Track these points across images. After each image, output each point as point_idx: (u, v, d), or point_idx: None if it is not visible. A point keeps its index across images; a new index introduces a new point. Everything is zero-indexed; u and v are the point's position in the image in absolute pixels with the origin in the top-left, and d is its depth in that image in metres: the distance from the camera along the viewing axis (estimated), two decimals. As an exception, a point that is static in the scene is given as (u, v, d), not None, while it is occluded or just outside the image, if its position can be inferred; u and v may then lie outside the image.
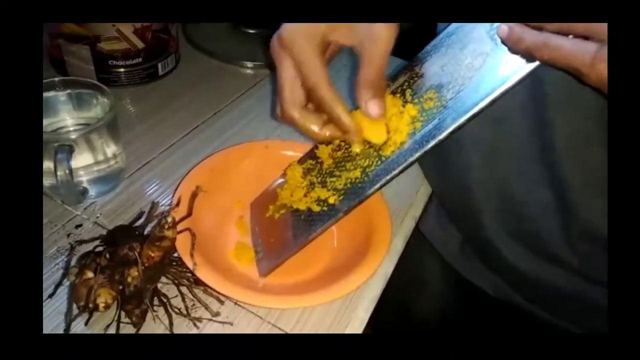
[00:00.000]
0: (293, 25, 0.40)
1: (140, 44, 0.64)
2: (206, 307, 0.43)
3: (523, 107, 0.43)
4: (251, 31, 0.82)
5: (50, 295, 0.42)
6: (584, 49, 0.29)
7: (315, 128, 0.41)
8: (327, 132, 0.41)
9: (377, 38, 0.38)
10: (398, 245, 0.53)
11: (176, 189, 0.50)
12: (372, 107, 0.39)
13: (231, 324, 0.43)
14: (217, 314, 0.43)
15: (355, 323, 0.45)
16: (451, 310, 0.68)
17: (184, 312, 0.42)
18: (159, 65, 0.68)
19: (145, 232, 0.46)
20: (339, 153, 0.45)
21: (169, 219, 0.39)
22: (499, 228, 0.52)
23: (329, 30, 0.40)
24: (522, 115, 0.43)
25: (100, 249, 0.43)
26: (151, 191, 0.54)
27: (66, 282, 0.43)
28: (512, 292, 0.57)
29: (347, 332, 0.44)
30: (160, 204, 0.48)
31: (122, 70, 0.65)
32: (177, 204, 0.46)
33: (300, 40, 0.39)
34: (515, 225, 0.51)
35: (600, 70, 0.28)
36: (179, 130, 0.63)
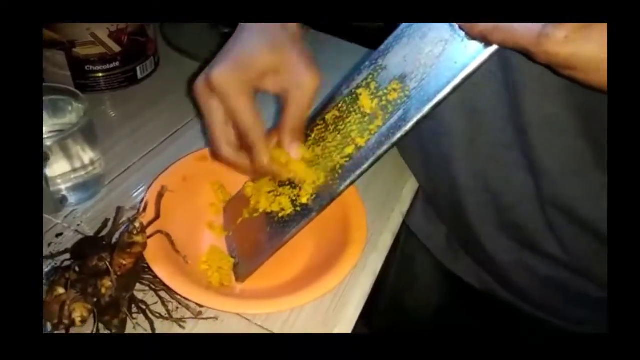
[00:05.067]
0: (222, 71, 0.40)
1: (116, 48, 0.63)
2: (187, 308, 0.42)
3: (497, 95, 0.43)
4: (228, 31, 0.80)
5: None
6: (530, 28, 0.29)
7: (247, 166, 0.44)
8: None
9: (303, 87, 0.41)
10: (387, 241, 0.53)
11: (145, 194, 0.48)
12: (293, 150, 0.43)
13: (216, 318, 0.42)
14: (200, 312, 0.42)
15: (346, 321, 0.44)
16: (442, 304, 0.68)
17: (166, 315, 0.41)
18: (138, 68, 0.67)
19: (113, 240, 0.44)
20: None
21: (137, 224, 0.38)
22: (482, 219, 0.52)
23: (259, 79, 0.41)
24: (497, 104, 0.44)
25: (67, 263, 0.41)
26: (133, 196, 0.53)
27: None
28: (496, 285, 0.57)
29: (337, 330, 0.43)
30: (126, 209, 0.46)
31: (100, 75, 0.64)
32: (144, 209, 0.44)
33: (232, 88, 0.40)
34: (497, 215, 0.51)
35: (545, 47, 0.28)
36: (160, 133, 0.61)
